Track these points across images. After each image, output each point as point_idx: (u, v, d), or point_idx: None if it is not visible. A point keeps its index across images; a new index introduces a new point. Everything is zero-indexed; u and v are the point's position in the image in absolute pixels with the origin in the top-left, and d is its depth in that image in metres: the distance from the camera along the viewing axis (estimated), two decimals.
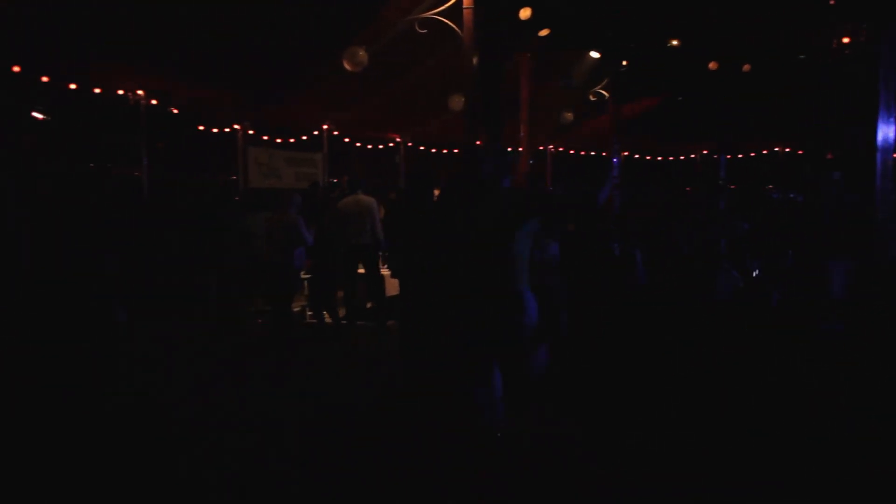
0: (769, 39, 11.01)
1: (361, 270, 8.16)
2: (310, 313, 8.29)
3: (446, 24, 7.41)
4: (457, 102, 9.68)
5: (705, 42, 11.49)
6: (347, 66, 8.07)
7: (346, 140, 13.66)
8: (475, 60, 7.41)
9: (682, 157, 18.06)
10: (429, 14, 7.41)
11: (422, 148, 15.08)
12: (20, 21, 7.26)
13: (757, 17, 10.19)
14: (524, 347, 3.62)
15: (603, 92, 12.16)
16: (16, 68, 8.03)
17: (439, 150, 15.43)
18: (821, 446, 3.92)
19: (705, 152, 17.60)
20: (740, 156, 17.36)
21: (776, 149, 16.78)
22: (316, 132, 12.81)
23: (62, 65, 8.60)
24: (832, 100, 10.76)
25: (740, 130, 15.17)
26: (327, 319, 7.95)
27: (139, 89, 9.81)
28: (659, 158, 18.02)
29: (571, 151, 17.10)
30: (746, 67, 11.72)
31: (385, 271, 8.20)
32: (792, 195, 13.56)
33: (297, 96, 10.58)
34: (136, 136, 10.06)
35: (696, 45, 11.50)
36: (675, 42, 11.47)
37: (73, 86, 9.18)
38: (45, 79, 8.76)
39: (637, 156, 17.53)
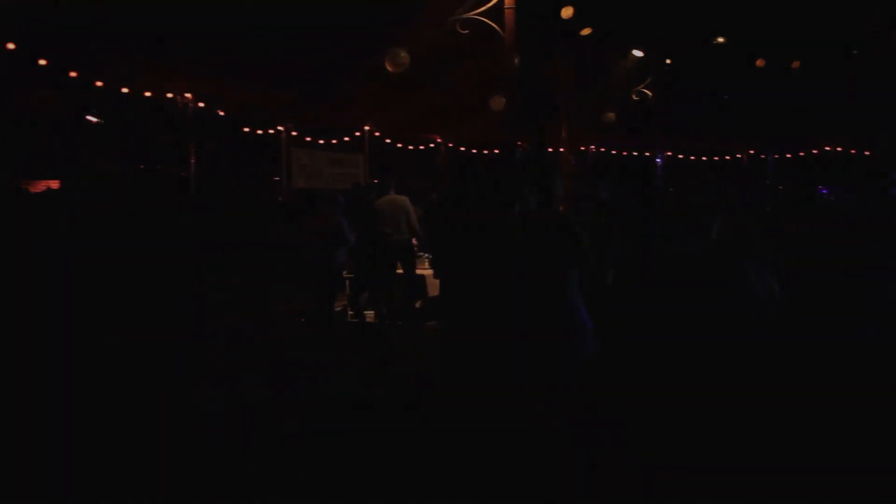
0: (820, 34, 10.70)
1: (400, 271, 8.22)
2: (351, 313, 8.37)
3: (488, 24, 7.41)
4: (498, 103, 9.67)
5: (752, 38, 11.23)
6: (389, 68, 8.14)
7: (388, 141, 13.77)
8: (517, 60, 7.39)
9: (727, 158, 17.67)
10: (470, 14, 7.41)
11: (462, 149, 15.09)
12: (76, 28, 7.55)
13: (806, 10, 9.92)
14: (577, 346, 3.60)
15: (646, 91, 11.99)
16: (73, 73, 8.34)
17: (480, 151, 15.42)
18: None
19: (752, 152, 17.18)
20: (788, 156, 16.90)
21: (827, 148, 16.27)
22: (357, 133, 12.96)
23: (115, 70, 8.90)
24: (889, 96, 10.39)
25: (789, 130, 14.76)
26: (368, 319, 8.02)
27: (187, 93, 10.07)
28: (703, 159, 17.66)
29: (613, 152, 16.89)
30: (795, 64, 11.41)
31: (426, 271, 8.24)
32: (844, 195, 13.13)
33: (340, 98, 10.72)
34: (184, 137, 10.34)
35: (743, 42, 11.24)
36: (720, 39, 11.25)
37: (125, 90, 9.49)
38: (99, 83, 9.09)
39: (681, 156, 17.22)
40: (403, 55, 8.04)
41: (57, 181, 8.60)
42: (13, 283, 4.58)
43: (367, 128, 12.85)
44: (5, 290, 4.51)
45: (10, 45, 7.47)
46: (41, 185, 8.39)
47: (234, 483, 3.72)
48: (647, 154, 17.02)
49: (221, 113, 11.05)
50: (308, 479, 3.77)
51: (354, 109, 11.76)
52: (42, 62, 8.02)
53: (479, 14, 7.44)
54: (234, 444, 4.26)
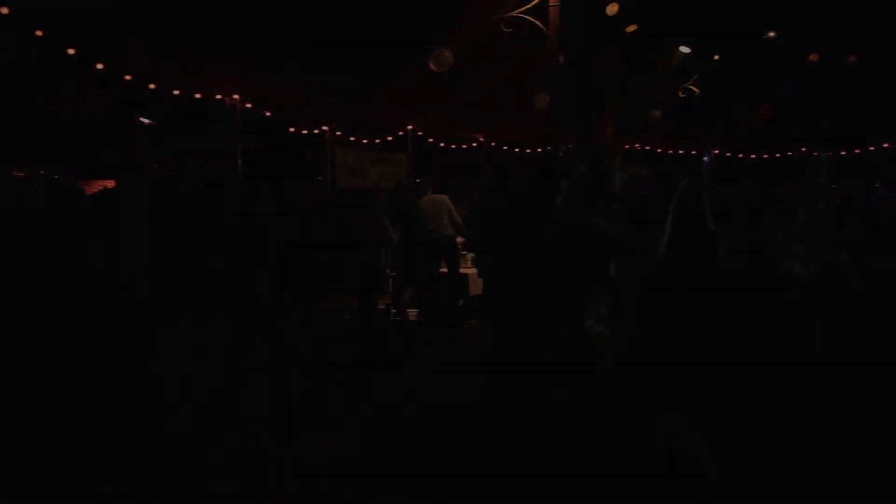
0: (877, 26, 10.31)
1: (444, 269, 8.25)
2: (394, 311, 8.44)
3: (532, 22, 7.37)
4: (541, 101, 9.60)
5: (805, 32, 10.90)
6: (433, 67, 8.17)
7: (430, 140, 13.82)
8: (561, 58, 7.34)
9: (777, 156, 17.16)
10: (515, 13, 7.39)
11: (505, 147, 15.04)
12: (131, 33, 7.80)
13: (862, 1, 9.57)
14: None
15: (693, 88, 11.75)
16: (127, 77, 8.62)
17: (523, 150, 15.34)
18: None
19: (803, 150, 16.66)
20: (843, 153, 16.33)
21: (885, 145, 15.67)
22: (401, 132, 13.05)
23: (167, 72, 9.16)
24: None
25: (844, 126, 14.26)
26: (411, 317, 8.07)
27: (235, 94, 10.29)
28: (752, 157, 17.20)
29: (659, 150, 16.60)
30: (852, 58, 11.02)
31: (469, 270, 8.25)
32: None
33: (383, 98, 10.81)
34: (231, 137, 10.57)
35: (795, 36, 10.92)
36: (771, 34, 10.95)
37: (175, 92, 9.76)
38: (151, 86, 9.38)
39: (728, 154, 16.82)
40: (447, 54, 8.06)
41: (112, 181, 8.89)
42: (75, 281, 4.76)
43: (410, 127, 12.93)
44: (70, 287, 4.69)
45: (71, 51, 7.77)
46: (97, 185, 8.68)
47: (269, 478, 3.78)
48: (694, 152, 16.69)
49: (268, 113, 11.26)
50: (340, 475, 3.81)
51: (398, 109, 11.84)
52: (99, 66, 8.32)
53: (523, 12, 7.41)
54: (276, 439, 4.33)
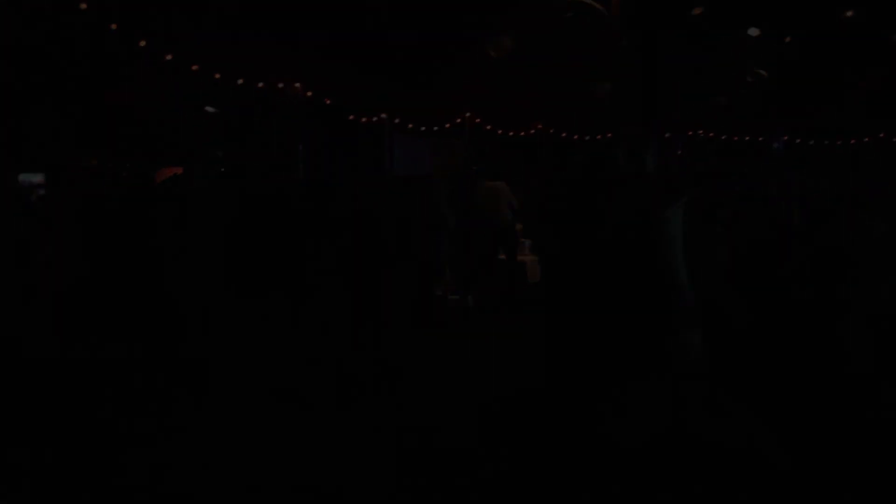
0: None
1: (502, 256, 8.24)
2: (452, 297, 8.47)
3: (594, 6, 7.23)
4: (601, 88, 9.42)
5: (887, 10, 10.32)
6: (492, 53, 8.13)
7: (488, 128, 13.75)
8: (624, 42, 7.18)
9: (852, 142, 16.33)
10: None
11: (563, 135, 14.83)
12: (198, 26, 8.06)
13: None
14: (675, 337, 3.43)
15: (762, 72, 11.32)
16: (194, 67, 8.91)
17: (582, 137, 15.09)
18: None
19: (882, 136, 15.81)
20: None
21: None
22: (458, 120, 13.03)
23: (232, 62, 9.42)
24: None
25: None
26: (469, 303, 8.09)
27: (297, 82, 10.50)
28: (825, 143, 16.42)
29: (724, 137, 16.04)
30: None
31: (526, 257, 8.22)
32: None
33: (442, 85, 10.84)
34: (293, 125, 10.80)
35: (877, 15, 10.36)
36: (849, 13, 10.43)
37: (240, 81, 10.03)
38: (217, 76, 9.66)
39: (798, 140, 16.10)
40: (506, 40, 8.00)
41: (180, 168, 9.22)
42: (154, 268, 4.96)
43: (467, 115, 12.90)
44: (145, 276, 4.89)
45: (142, 43, 8.08)
46: (168, 172, 9.00)
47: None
48: (761, 139, 16.06)
49: (328, 101, 11.44)
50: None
51: (456, 96, 11.84)
52: (168, 57, 8.63)
53: None
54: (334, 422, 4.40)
